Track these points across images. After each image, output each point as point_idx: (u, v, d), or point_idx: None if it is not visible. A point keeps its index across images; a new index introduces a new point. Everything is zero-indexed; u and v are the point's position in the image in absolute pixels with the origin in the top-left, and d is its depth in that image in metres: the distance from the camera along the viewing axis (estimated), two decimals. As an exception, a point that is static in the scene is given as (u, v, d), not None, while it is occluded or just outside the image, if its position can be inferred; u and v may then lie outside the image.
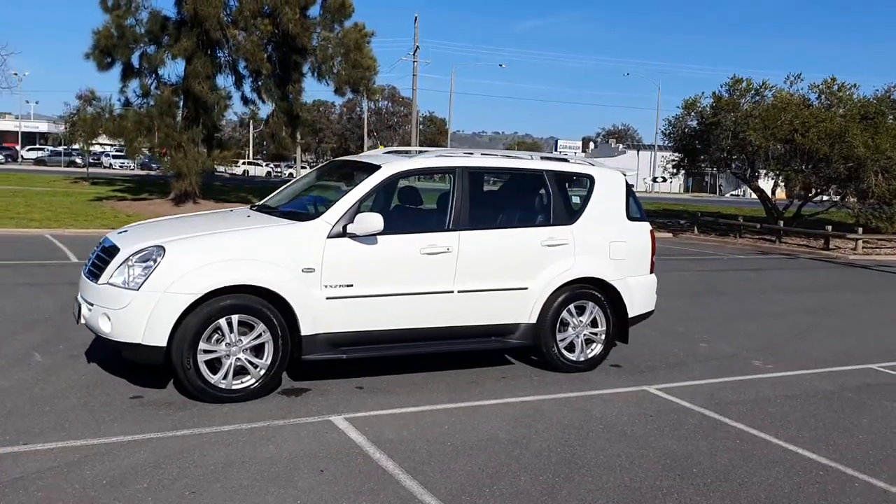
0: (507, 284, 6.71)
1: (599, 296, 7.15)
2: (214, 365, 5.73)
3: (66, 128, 48.13)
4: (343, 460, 4.80)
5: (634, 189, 9.78)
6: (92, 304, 5.84)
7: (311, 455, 4.85)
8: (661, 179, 73.10)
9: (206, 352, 5.66)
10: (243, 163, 70.78)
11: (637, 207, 7.64)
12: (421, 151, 7.33)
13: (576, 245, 7.03)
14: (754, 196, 31.01)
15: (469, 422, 5.65)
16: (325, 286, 6.01)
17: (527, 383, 6.73)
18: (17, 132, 75.33)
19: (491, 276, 6.64)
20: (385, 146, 57.53)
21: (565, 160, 7.66)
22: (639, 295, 7.41)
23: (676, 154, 30.15)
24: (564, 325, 7.06)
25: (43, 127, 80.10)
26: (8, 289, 9.98)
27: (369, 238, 6.17)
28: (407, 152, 7.42)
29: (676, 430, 5.71)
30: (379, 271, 6.21)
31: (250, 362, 5.82)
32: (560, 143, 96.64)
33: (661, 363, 7.70)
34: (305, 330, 5.96)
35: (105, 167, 62.12)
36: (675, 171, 30.37)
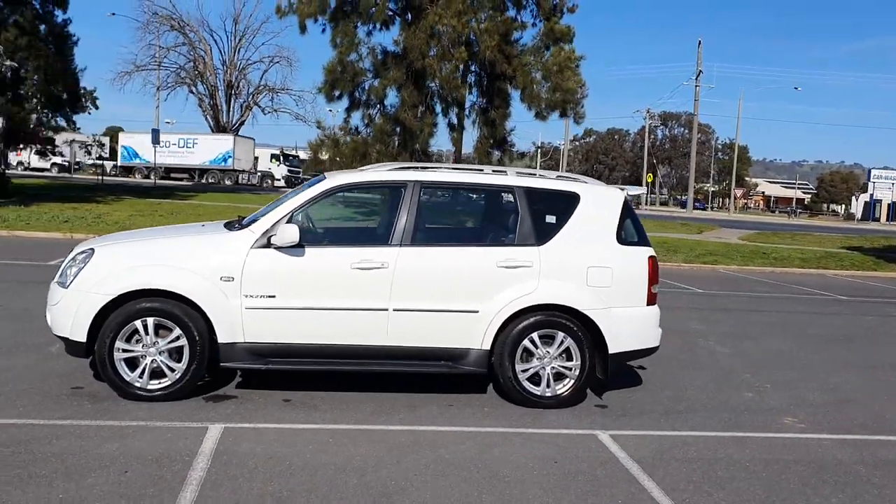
0: (452, 306, 6.30)
1: (572, 326, 6.44)
2: (135, 364, 6.04)
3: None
4: (153, 465, 4.83)
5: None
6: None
7: (137, 455, 4.93)
8: None
9: (124, 350, 5.98)
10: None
11: (636, 231, 6.79)
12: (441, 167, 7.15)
13: (542, 268, 6.41)
14: None
15: (342, 444, 5.39)
16: (246, 296, 6.08)
17: (467, 414, 6.24)
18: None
19: (433, 296, 6.28)
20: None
21: (544, 177, 7.03)
22: (627, 328, 6.57)
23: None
24: (529, 355, 6.46)
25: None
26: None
27: (296, 250, 6.15)
28: (416, 168, 7.17)
29: (566, 480, 4.98)
30: (304, 284, 6.16)
31: (167, 364, 6.05)
32: (875, 172, 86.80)
33: (662, 409, 6.72)
34: (222, 337, 6.07)
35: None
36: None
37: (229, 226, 6.61)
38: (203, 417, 5.75)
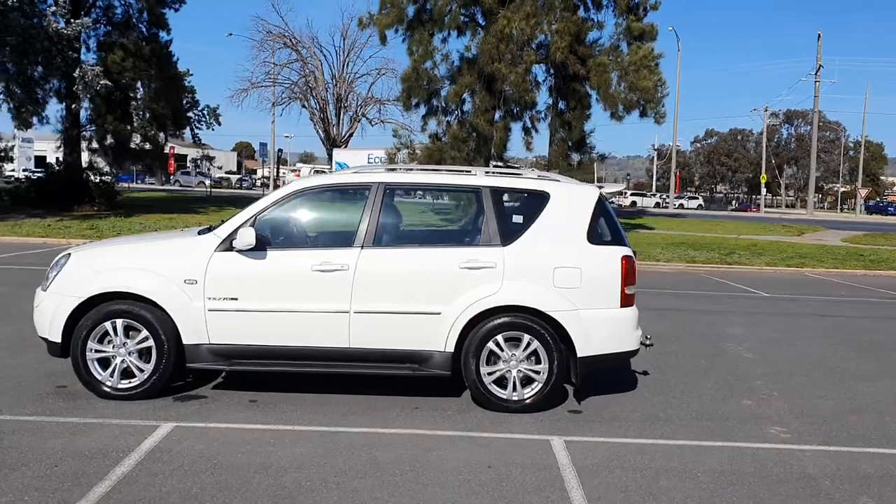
0: (413, 308, 6.24)
1: (538, 328, 6.26)
2: (108, 363, 6.29)
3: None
4: (85, 461, 5.01)
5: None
6: None
7: (77, 451, 5.13)
8: None
9: (97, 351, 6.24)
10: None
11: (611, 230, 6.53)
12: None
13: (505, 269, 6.26)
14: None
15: (281, 445, 5.42)
16: (209, 298, 6.23)
17: (426, 417, 6.15)
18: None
19: (394, 297, 6.24)
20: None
21: (518, 175, 6.85)
22: (598, 331, 6.32)
23: None
24: (495, 357, 6.32)
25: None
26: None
27: (258, 253, 6.25)
28: (383, 170, 7.22)
29: (489, 485, 4.83)
30: (265, 286, 6.24)
31: (136, 365, 6.26)
32: None
33: (640, 415, 6.41)
34: (187, 339, 6.24)
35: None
36: None
37: (202, 231, 6.79)
38: (160, 416, 5.91)
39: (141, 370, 6.26)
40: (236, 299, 6.23)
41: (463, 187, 6.68)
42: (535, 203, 6.53)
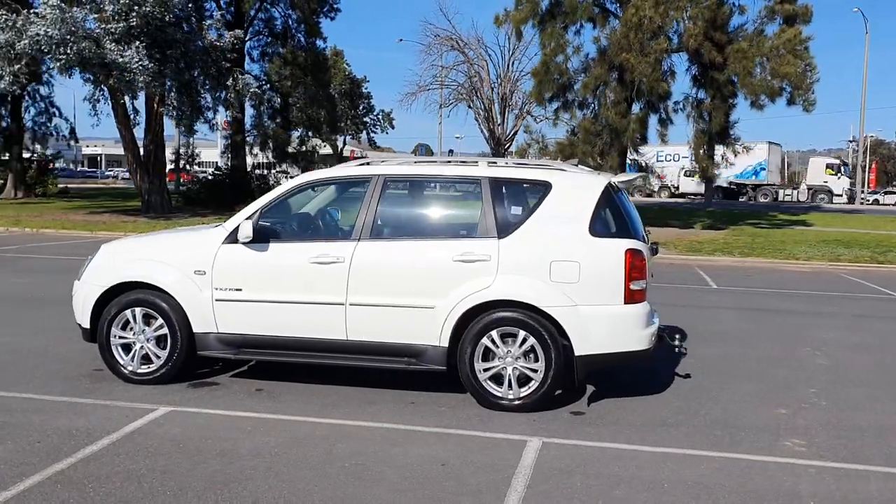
0: (407, 301, 6.17)
1: (534, 324, 6.00)
2: (130, 349, 6.69)
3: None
4: (64, 438, 5.35)
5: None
6: None
7: (59, 429, 5.49)
8: None
9: (119, 337, 6.66)
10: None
11: (617, 222, 6.15)
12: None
13: (500, 262, 6.05)
14: None
15: (253, 433, 5.54)
16: (216, 288, 6.47)
17: (415, 412, 6.06)
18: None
19: (389, 290, 6.20)
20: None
21: (525, 167, 6.56)
22: (598, 328, 5.97)
23: None
24: (490, 354, 6.13)
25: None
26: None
27: (260, 245, 6.42)
28: (384, 162, 7.10)
29: (429, 483, 4.70)
30: (267, 278, 6.40)
31: (153, 351, 6.62)
32: None
33: (643, 421, 5.97)
34: (196, 327, 6.52)
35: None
36: None
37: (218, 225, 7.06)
38: (163, 400, 6.20)
39: (158, 356, 6.60)
40: (241, 290, 6.43)
41: (463, 178, 6.52)
42: (536, 194, 6.27)
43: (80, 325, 6.85)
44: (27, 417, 5.74)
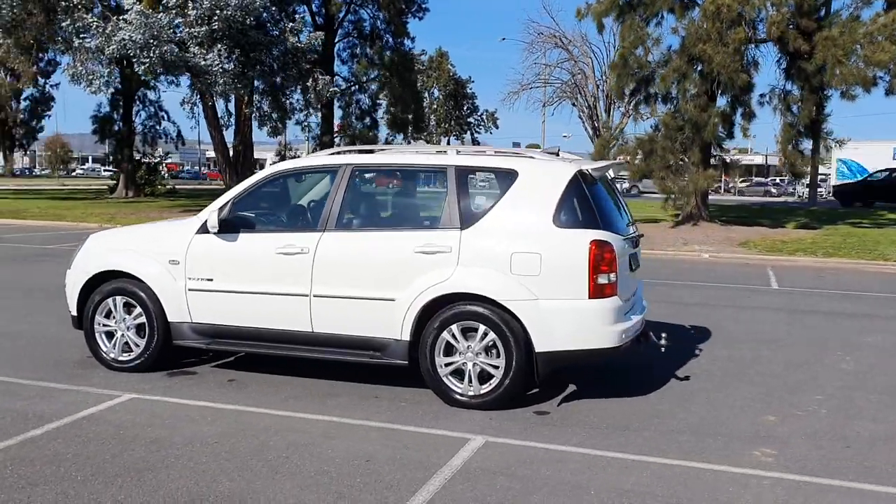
0: (369, 293, 6.01)
1: (494, 319, 5.72)
2: (112, 337, 6.80)
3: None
4: (20, 422, 5.47)
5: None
6: None
7: (25, 413, 5.62)
8: None
9: (103, 325, 6.78)
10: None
11: (585, 212, 5.78)
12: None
13: (461, 254, 5.81)
14: None
15: (199, 422, 5.51)
16: (189, 278, 6.50)
17: (371, 406, 5.88)
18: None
19: (351, 282, 6.06)
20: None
21: (488, 153, 6.26)
22: (560, 323, 5.64)
23: None
24: (452, 349, 5.89)
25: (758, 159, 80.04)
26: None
27: (231, 235, 6.41)
28: (353, 151, 6.91)
29: (339, 479, 4.53)
30: (235, 268, 6.38)
31: (133, 340, 6.71)
32: None
33: (611, 424, 5.58)
34: (171, 317, 6.57)
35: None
36: None
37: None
38: (132, 388, 6.24)
39: (137, 345, 6.68)
40: (211, 280, 6.43)
41: (431, 167, 6.30)
42: (502, 183, 5.99)
43: (70, 312, 7.03)
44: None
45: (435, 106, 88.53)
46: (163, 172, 49.24)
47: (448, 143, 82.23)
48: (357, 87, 34.63)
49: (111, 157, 58.96)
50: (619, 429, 5.49)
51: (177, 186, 50.20)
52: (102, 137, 47.40)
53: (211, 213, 6.35)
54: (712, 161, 23.25)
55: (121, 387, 6.27)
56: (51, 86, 61.15)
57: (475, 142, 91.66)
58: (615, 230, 5.95)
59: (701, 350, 7.84)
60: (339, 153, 6.65)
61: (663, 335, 6.35)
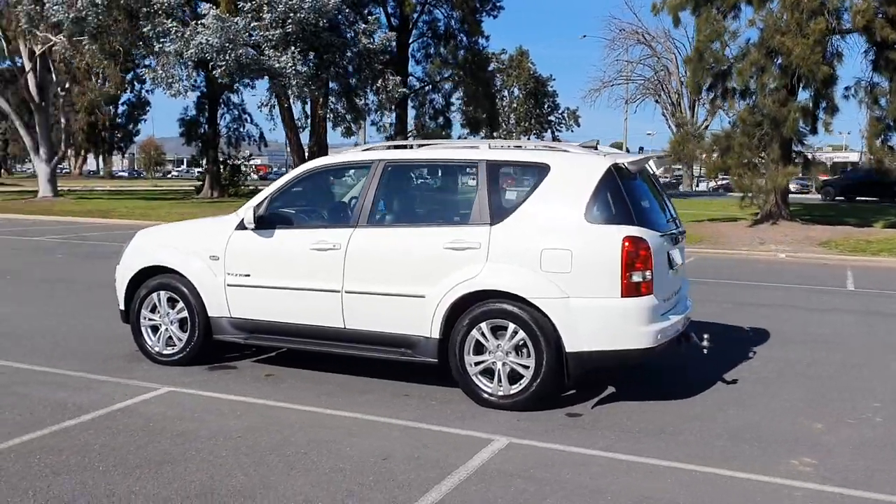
0: (399, 290, 5.95)
1: (524, 317, 5.58)
2: (157, 331, 6.95)
3: None
4: (51, 411, 5.62)
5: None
6: None
7: (54, 402, 5.78)
8: None
9: (148, 319, 6.93)
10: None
11: (619, 207, 5.58)
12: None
13: (490, 250, 5.69)
14: None
15: (230, 416, 5.56)
16: (228, 274, 6.58)
17: (401, 405, 5.82)
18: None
19: (381, 278, 6.01)
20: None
21: (528, 149, 6.10)
22: (591, 323, 5.46)
23: None
24: (482, 347, 5.78)
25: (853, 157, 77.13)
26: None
27: (267, 231, 6.46)
28: (387, 147, 6.86)
29: (353, 475, 4.49)
30: (271, 263, 6.43)
31: (175, 334, 6.83)
32: None
33: (644, 427, 5.36)
34: (211, 312, 6.65)
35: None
36: None
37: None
38: (171, 381, 6.31)
39: (180, 339, 6.80)
40: (249, 275, 6.49)
41: (462, 162, 6.20)
42: (533, 177, 5.84)
43: (120, 307, 7.21)
44: (23, 388, 6.05)
45: (515, 105, 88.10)
46: (247, 173, 50.54)
47: (528, 139, 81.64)
48: (431, 86, 34.72)
49: (197, 159, 60.82)
50: (653, 433, 5.27)
51: (259, 187, 51.41)
52: (189, 140, 49.00)
53: (248, 210, 6.41)
54: (794, 158, 22.34)
55: (161, 380, 6.38)
56: (146, 91, 63.60)
57: (556, 140, 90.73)
58: (653, 226, 5.72)
59: (755, 352, 7.50)
60: (370, 149, 6.61)
61: (706, 336, 6.08)
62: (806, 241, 19.30)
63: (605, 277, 5.43)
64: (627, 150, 43.57)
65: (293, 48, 23.40)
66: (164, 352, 6.86)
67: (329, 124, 28.73)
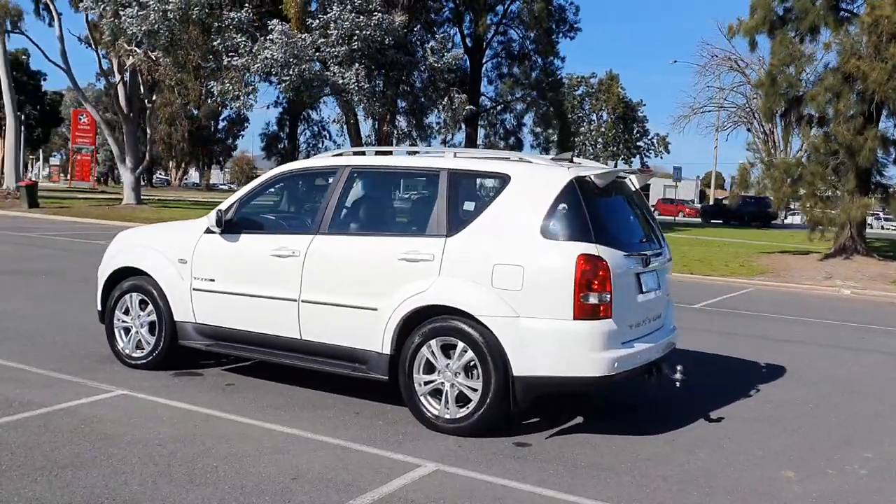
0: (353, 301, 5.68)
1: (473, 335, 5.22)
2: (129, 333, 6.86)
3: None
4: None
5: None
6: None
7: (3, 401, 5.73)
8: None
9: (121, 321, 6.86)
10: None
11: (578, 223, 5.16)
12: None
13: (443, 263, 5.36)
14: None
15: (168, 423, 5.38)
16: (194, 278, 6.44)
17: (350, 423, 5.53)
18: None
19: (336, 288, 5.75)
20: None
21: (496, 158, 5.75)
22: (538, 345, 5.06)
23: None
24: (431, 366, 5.44)
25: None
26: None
27: (233, 236, 6.30)
28: (354, 152, 6.62)
29: (255, 494, 4.24)
30: (234, 269, 6.26)
31: (144, 337, 6.72)
32: None
33: (591, 463, 4.91)
34: (177, 316, 6.52)
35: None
36: None
37: None
38: (128, 385, 6.18)
39: (148, 343, 6.69)
40: (213, 280, 6.33)
41: (425, 171, 5.90)
42: (494, 188, 5.49)
43: (98, 308, 7.18)
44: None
45: (603, 129, 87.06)
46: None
47: (615, 166, 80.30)
48: (502, 106, 34.47)
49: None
50: (601, 469, 4.82)
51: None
52: (269, 154, 50.28)
53: (214, 213, 6.27)
54: (872, 189, 21.08)
55: (121, 383, 6.26)
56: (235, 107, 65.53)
57: (644, 166, 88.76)
58: (618, 245, 5.28)
59: (758, 390, 6.89)
60: (340, 154, 6.39)
61: (679, 368, 5.57)
62: (879, 277, 18.10)
63: (557, 297, 5.03)
64: (722, 179, 42.09)
65: (357, 65, 23.55)
66: (134, 354, 6.77)
67: (394, 141, 28.77)
